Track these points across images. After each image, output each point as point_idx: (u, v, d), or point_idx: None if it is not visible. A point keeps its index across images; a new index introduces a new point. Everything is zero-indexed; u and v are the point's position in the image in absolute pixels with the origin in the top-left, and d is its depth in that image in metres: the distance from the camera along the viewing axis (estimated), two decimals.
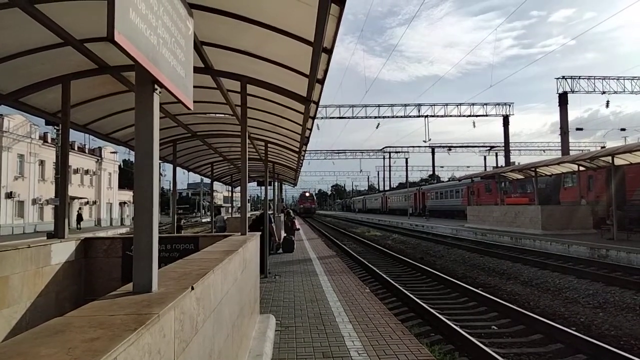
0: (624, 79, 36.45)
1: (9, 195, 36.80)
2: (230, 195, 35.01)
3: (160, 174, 56.41)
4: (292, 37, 4.61)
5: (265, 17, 4.48)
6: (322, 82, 5.76)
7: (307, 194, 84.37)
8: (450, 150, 66.27)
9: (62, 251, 5.67)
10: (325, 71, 5.43)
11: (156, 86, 2.32)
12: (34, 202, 40.62)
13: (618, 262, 14.21)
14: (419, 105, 43.41)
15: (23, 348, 1.30)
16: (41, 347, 1.30)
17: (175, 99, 2.66)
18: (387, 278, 12.63)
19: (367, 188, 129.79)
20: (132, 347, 1.41)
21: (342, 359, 5.19)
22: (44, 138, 42.31)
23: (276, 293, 9.17)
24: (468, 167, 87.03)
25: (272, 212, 15.58)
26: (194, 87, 3.53)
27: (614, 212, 18.08)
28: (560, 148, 36.40)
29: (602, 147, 42.70)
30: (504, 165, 44.68)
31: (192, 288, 2.22)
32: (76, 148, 47.81)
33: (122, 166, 65.05)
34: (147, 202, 2.26)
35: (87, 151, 51.34)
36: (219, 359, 2.91)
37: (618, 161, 18.89)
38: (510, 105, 43.02)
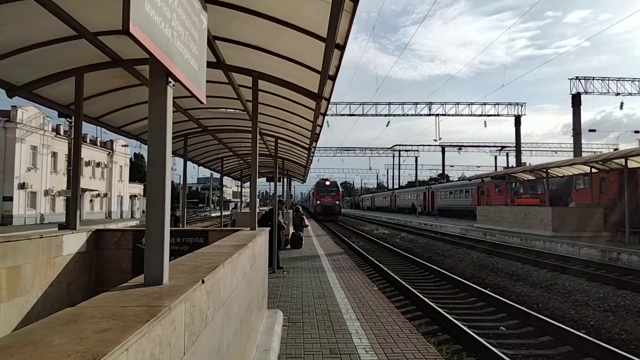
0: (638, 81, 35.89)
1: (22, 186, 37.27)
2: (239, 190, 35.07)
3: (171, 168, 56.68)
4: (304, 32, 4.60)
5: (278, 12, 4.46)
6: (333, 78, 5.74)
7: (328, 183, 51.70)
8: (460, 149, 65.85)
9: (74, 242, 5.72)
10: (338, 67, 5.41)
11: (170, 79, 2.32)
12: (46, 193, 41.10)
13: (629, 265, 14.03)
14: (430, 103, 43.13)
15: (35, 337, 1.30)
16: (53, 336, 1.31)
17: (189, 92, 2.66)
18: (395, 276, 12.60)
19: (376, 186, 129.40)
20: (144, 339, 1.41)
21: (349, 356, 5.18)
22: (56, 130, 42.75)
23: (284, 288, 9.18)
24: (478, 167, 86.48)
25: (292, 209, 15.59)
26: (206, 81, 3.53)
27: (626, 215, 17.83)
28: (572, 149, 35.99)
29: (614, 149, 42.16)
30: (514, 165, 44.30)
31: (203, 281, 2.22)
32: (88, 141, 48.23)
33: (132, 159, 65.54)
34: (159, 195, 2.26)
35: (98, 144, 51.78)
36: (227, 352, 2.92)
37: (631, 164, 18.61)
38: (522, 106, 42.57)
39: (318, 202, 49.82)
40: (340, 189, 53.46)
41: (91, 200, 50.20)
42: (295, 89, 6.21)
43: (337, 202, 50.43)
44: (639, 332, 7.86)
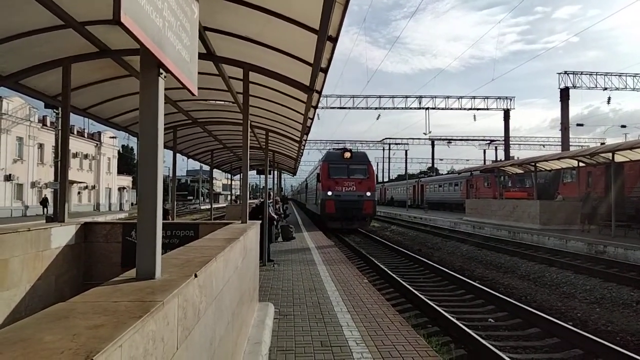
0: (625, 76, 36.22)
1: (8, 178, 36.73)
2: (229, 182, 34.84)
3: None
4: (296, 24, 4.55)
5: (270, 3, 4.41)
6: (325, 71, 5.71)
7: (349, 155, 25.74)
8: (450, 143, 66.09)
9: (62, 235, 5.65)
10: (330, 60, 5.38)
11: (161, 70, 2.27)
12: (33, 185, 40.55)
13: (615, 258, 14.25)
14: (420, 97, 43.22)
15: (26, 334, 1.27)
16: (44, 332, 1.28)
17: (180, 84, 2.61)
18: (385, 269, 12.66)
19: None
20: (137, 335, 1.39)
21: (340, 349, 5.20)
22: (43, 121, 42.10)
23: (275, 281, 9.18)
24: (467, 160, 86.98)
25: (272, 201, 15.56)
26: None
27: (612, 208, 18.07)
28: (559, 143, 36.35)
29: (601, 144, 42.66)
30: (503, 159, 44.63)
31: (196, 275, 2.20)
32: (75, 132, 47.55)
33: (121, 151, 64.86)
34: (151, 188, 2.23)
35: (86, 135, 51.11)
36: (219, 346, 2.90)
37: (618, 158, 18.84)
38: (511, 100, 42.94)
39: (330, 193, 24.72)
40: (372, 169, 27.47)
41: (79, 193, 49.65)
42: (286, 81, 6.16)
43: (369, 194, 25.21)
44: (624, 323, 7.99)
